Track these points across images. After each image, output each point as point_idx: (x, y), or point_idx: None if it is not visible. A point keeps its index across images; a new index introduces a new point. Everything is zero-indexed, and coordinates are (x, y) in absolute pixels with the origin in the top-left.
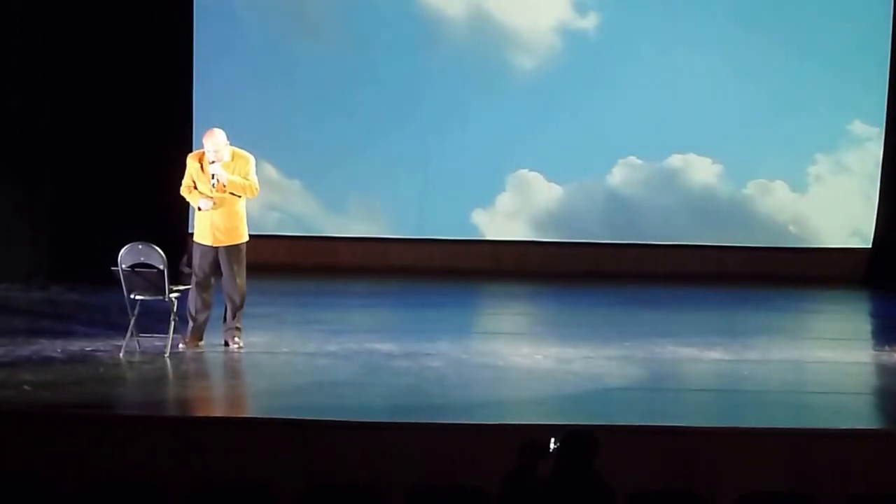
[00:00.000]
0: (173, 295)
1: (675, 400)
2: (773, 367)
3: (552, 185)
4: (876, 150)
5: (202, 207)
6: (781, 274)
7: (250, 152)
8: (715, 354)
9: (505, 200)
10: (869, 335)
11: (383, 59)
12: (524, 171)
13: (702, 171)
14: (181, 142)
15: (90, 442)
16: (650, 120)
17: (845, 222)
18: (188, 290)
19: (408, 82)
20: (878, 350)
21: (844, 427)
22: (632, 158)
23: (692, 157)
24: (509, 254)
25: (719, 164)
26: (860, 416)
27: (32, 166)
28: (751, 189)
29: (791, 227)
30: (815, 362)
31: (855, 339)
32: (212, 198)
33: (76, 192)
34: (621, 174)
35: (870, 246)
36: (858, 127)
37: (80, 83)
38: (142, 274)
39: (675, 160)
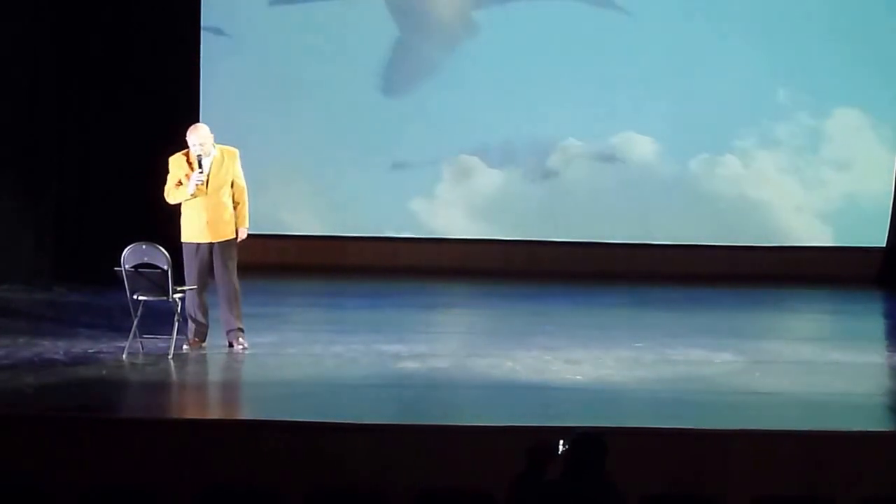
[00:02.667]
0: (177, 295)
1: (686, 402)
2: (784, 368)
3: (492, 170)
4: (806, 121)
5: (192, 184)
6: (793, 274)
7: (260, 160)
8: (726, 356)
9: (445, 189)
10: (882, 336)
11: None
12: (464, 157)
13: (642, 150)
14: (186, 145)
15: (93, 444)
16: (586, 100)
17: (788, 196)
18: (188, 292)
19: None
20: (891, 351)
21: (857, 429)
22: (571, 140)
23: (633, 135)
24: (520, 253)
25: (659, 142)
26: (873, 418)
27: (37, 168)
28: (694, 167)
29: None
30: (827, 363)
31: (868, 339)
32: (202, 171)
33: (80, 194)
34: (561, 158)
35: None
36: (783, 96)
37: (85, 86)
38: (145, 274)
39: (615, 140)
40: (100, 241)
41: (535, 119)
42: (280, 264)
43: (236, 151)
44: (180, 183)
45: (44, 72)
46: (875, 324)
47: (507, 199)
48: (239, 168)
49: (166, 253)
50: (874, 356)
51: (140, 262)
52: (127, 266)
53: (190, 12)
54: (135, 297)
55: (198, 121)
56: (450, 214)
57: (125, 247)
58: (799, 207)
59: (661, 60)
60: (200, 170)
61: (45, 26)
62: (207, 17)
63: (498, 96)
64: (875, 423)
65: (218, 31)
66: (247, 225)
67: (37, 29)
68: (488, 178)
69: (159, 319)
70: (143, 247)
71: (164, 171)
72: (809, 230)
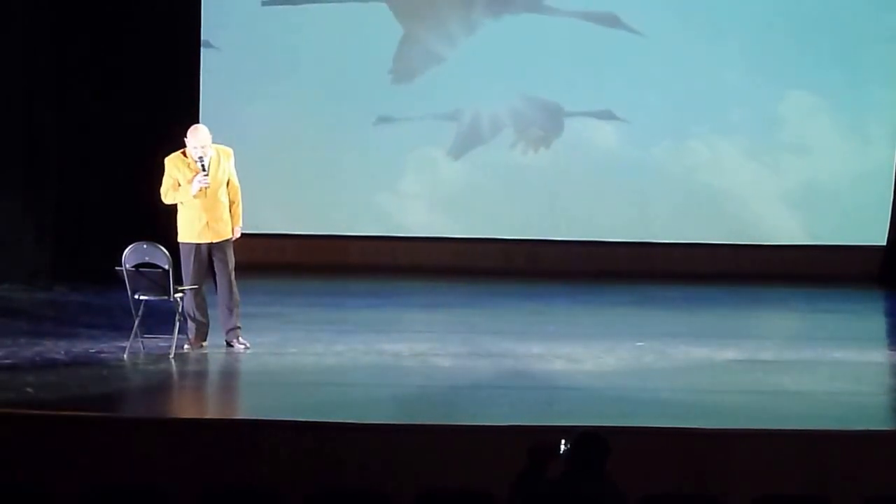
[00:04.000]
0: (178, 295)
1: (688, 401)
2: (787, 367)
3: (454, 161)
4: (758, 102)
5: (197, 186)
6: (795, 273)
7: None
8: (729, 354)
9: (408, 183)
10: (884, 335)
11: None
12: (424, 149)
13: (603, 133)
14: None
15: (94, 444)
16: (541, 84)
17: (755, 185)
18: (187, 292)
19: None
20: (893, 350)
21: (859, 428)
22: (534, 129)
23: (591, 121)
24: (521, 252)
25: (618, 124)
26: (875, 417)
27: (37, 167)
28: (657, 151)
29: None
30: (829, 362)
31: (869, 338)
32: (206, 174)
33: (81, 193)
34: (524, 145)
35: (823, 240)
36: (732, 76)
37: (86, 84)
38: (146, 274)
39: (574, 125)
40: (100, 240)
41: (495, 105)
42: (280, 264)
43: (230, 151)
44: (179, 185)
45: (44, 71)
46: (876, 322)
47: (471, 190)
48: (233, 167)
49: (167, 252)
50: (876, 355)
51: (141, 261)
52: (128, 265)
53: (190, 11)
54: (136, 296)
55: (197, 120)
56: (416, 210)
57: (125, 246)
58: (767, 195)
59: (622, 49)
60: (205, 173)
61: (45, 26)
62: (207, 16)
63: (471, 83)
64: (878, 423)
65: (217, 31)
66: (241, 224)
67: (37, 29)
68: (452, 170)
69: (160, 319)
70: (144, 246)
71: (164, 169)
72: (780, 217)
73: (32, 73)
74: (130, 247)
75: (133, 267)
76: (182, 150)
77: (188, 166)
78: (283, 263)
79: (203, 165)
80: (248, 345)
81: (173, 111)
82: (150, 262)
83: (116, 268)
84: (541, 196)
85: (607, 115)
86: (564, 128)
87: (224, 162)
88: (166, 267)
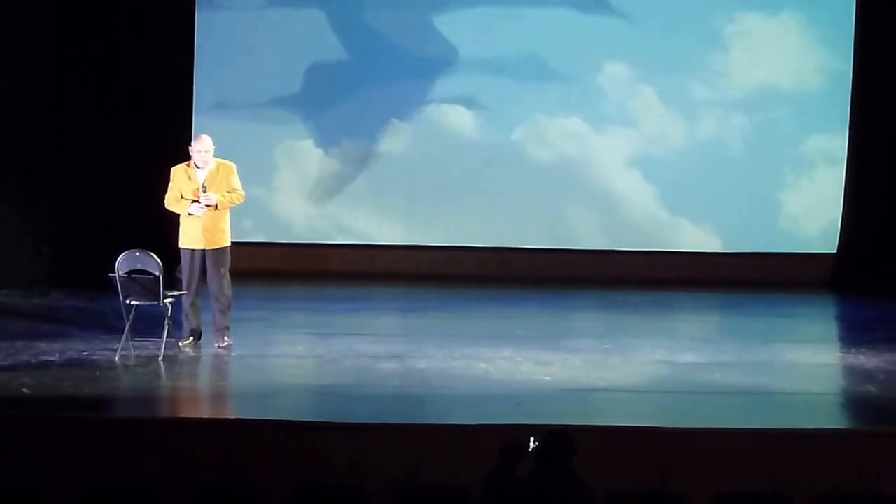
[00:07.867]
0: (168, 300)
1: (651, 401)
2: (744, 369)
3: (322, 153)
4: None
5: (194, 213)
6: (752, 278)
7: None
8: (689, 357)
9: (280, 176)
10: (836, 338)
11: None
12: (291, 142)
13: (461, 120)
14: (178, 153)
15: (86, 443)
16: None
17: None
18: (182, 295)
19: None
20: (844, 352)
21: (814, 427)
22: (394, 121)
23: (454, 107)
24: (492, 260)
25: (478, 110)
26: (829, 416)
27: (35, 176)
28: (518, 135)
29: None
30: (785, 364)
31: (823, 341)
32: (202, 207)
33: (77, 202)
34: (392, 139)
35: (833, 250)
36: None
37: (82, 95)
38: (138, 280)
39: (436, 113)
40: (96, 247)
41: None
42: (265, 270)
43: (233, 165)
44: (182, 196)
45: (41, 85)
46: (828, 326)
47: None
48: (235, 181)
49: (158, 260)
50: (828, 356)
51: (133, 268)
52: (120, 272)
53: (185, 21)
54: (127, 301)
55: (189, 130)
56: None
57: (119, 254)
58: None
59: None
60: (202, 205)
61: (43, 41)
62: (201, 27)
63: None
64: (831, 421)
65: (214, 40)
66: (222, 202)
67: (35, 43)
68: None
69: (151, 323)
70: (137, 254)
71: (158, 180)
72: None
73: (30, 87)
74: (123, 254)
75: (125, 273)
76: (188, 162)
77: (189, 178)
78: (268, 270)
79: (204, 193)
80: (230, 344)
81: (167, 122)
82: (142, 268)
83: (109, 274)
84: (402, 188)
85: (458, 101)
86: (416, 116)
87: (222, 176)
88: (157, 273)
